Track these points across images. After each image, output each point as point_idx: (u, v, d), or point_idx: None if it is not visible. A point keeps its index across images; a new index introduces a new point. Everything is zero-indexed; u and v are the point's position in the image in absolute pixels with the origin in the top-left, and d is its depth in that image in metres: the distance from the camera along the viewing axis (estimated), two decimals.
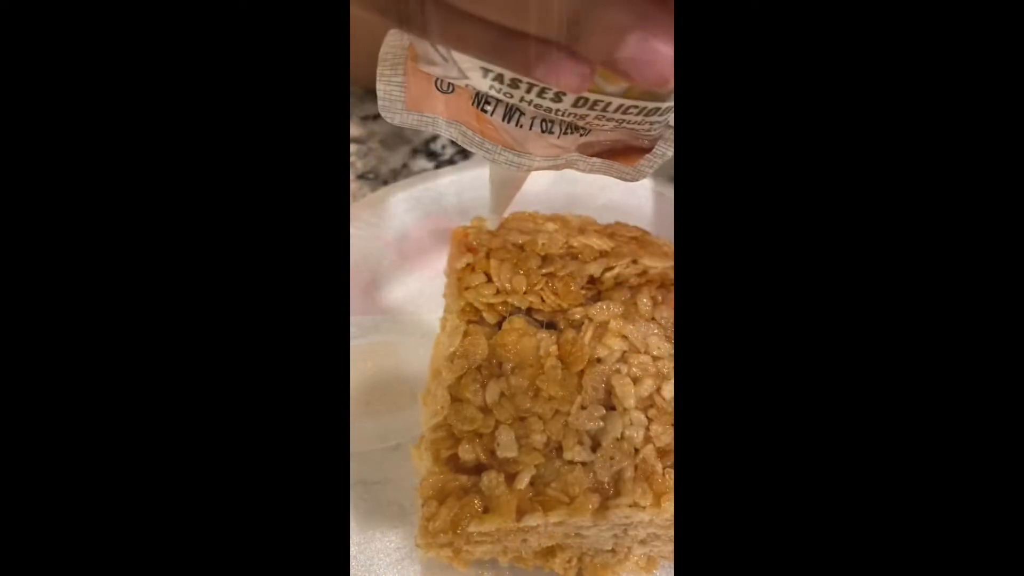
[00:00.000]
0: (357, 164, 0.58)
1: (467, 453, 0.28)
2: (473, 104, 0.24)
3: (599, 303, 0.33)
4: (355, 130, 0.61)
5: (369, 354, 0.43)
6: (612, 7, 0.15)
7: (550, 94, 0.21)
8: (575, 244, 0.36)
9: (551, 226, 0.39)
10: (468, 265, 0.35)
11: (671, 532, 0.30)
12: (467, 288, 0.34)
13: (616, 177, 0.28)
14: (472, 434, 0.29)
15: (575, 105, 0.22)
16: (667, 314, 0.33)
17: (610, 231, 0.39)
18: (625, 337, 0.32)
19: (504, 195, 0.30)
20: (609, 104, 0.21)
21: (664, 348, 0.32)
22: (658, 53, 0.16)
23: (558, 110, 0.22)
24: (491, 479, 0.28)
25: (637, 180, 0.28)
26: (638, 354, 0.31)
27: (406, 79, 0.24)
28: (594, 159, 0.27)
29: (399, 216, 0.50)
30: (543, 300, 0.33)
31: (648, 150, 0.26)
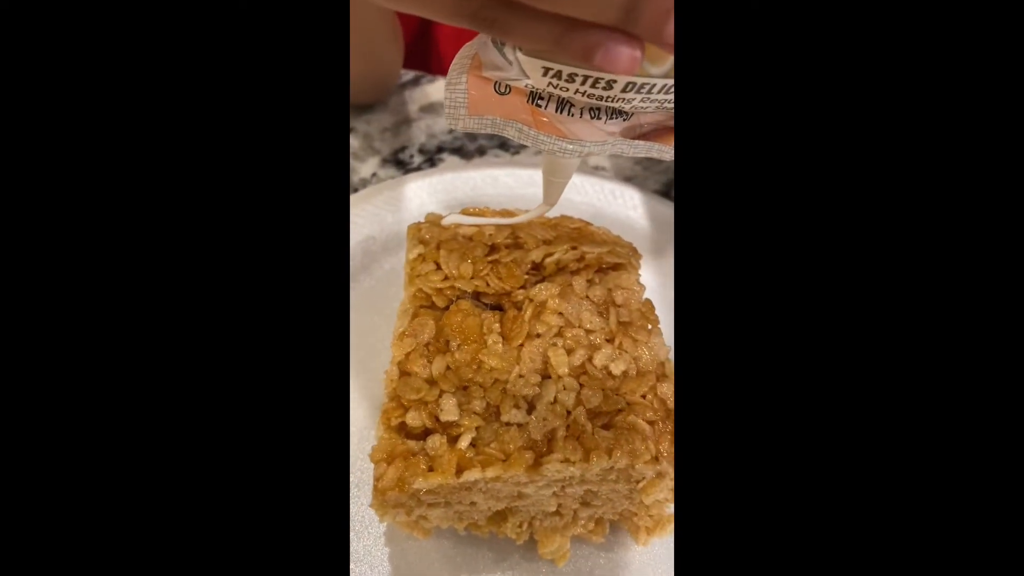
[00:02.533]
0: None
1: (414, 420, 0.31)
2: (528, 101, 0.27)
3: (539, 285, 0.36)
4: None
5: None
6: None
7: (602, 83, 0.24)
8: (521, 235, 0.39)
9: (500, 220, 0.42)
10: (420, 255, 0.38)
11: (603, 489, 0.33)
12: (418, 276, 0.37)
13: (656, 157, 0.31)
14: (419, 403, 0.32)
15: (624, 90, 0.25)
16: (600, 292, 0.36)
17: (554, 223, 0.42)
18: (561, 314, 0.35)
19: (557, 184, 0.33)
20: (654, 86, 0.24)
21: (596, 322, 0.34)
22: None
23: (608, 97, 0.25)
24: (435, 441, 0.30)
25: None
26: (572, 328, 0.34)
27: (469, 86, 0.27)
28: (637, 141, 0.30)
29: (412, 201, 0.55)
30: (488, 284, 0.36)
31: None
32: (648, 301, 0.36)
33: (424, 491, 0.30)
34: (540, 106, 0.27)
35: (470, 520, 0.36)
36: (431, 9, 0.23)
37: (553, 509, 0.35)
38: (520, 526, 0.36)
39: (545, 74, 0.25)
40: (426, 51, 0.77)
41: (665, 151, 0.30)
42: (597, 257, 0.38)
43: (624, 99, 0.25)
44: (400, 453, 0.30)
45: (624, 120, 0.28)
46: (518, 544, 0.37)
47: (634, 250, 0.40)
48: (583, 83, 0.24)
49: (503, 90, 0.27)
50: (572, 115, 0.27)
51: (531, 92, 0.27)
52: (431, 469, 0.30)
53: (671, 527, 0.37)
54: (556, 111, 0.27)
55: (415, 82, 0.72)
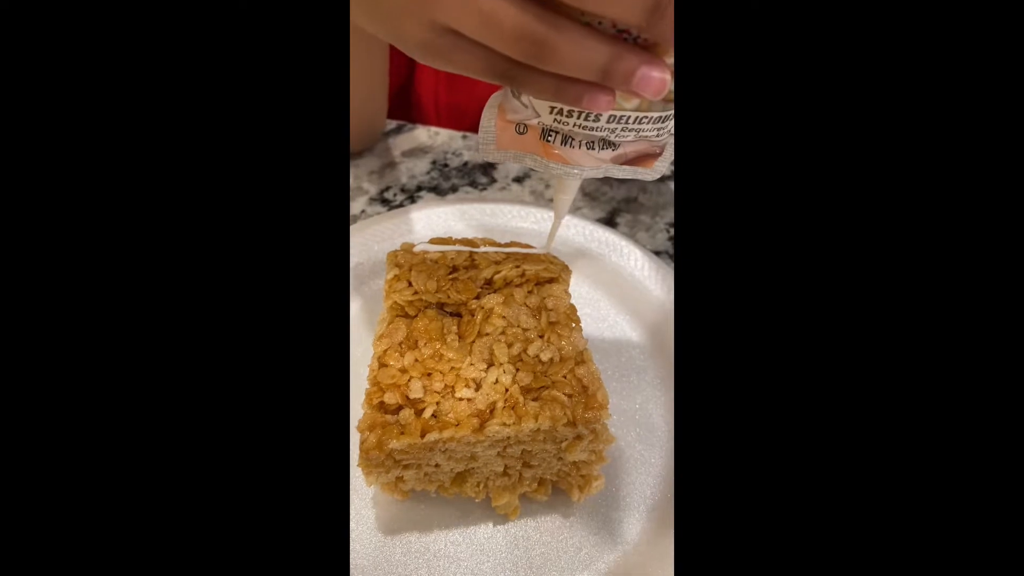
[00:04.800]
0: None
1: (390, 399, 0.41)
2: (541, 138, 0.38)
3: (488, 296, 0.46)
4: None
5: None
6: (626, 58, 0.28)
7: (591, 118, 0.35)
8: (476, 258, 0.50)
9: (459, 246, 0.52)
10: (395, 276, 0.48)
11: (536, 448, 0.42)
12: (394, 292, 0.47)
13: (641, 178, 0.41)
14: (393, 386, 0.42)
15: (608, 122, 0.35)
16: (535, 300, 0.46)
17: (506, 248, 0.52)
18: (504, 317, 0.45)
19: (565, 201, 0.44)
20: (629, 118, 0.35)
21: (531, 323, 0.45)
22: (653, 78, 0.29)
23: (596, 128, 0.35)
24: (406, 414, 0.40)
25: (655, 178, 0.42)
26: (513, 328, 0.44)
27: (496, 128, 0.38)
28: (624, 167, 0.40)
29: (395, 232, 0.65)
30: (449, 296, 0.46)
31: (659, 155, 0.40)
32: (572, 305, 0.47)
33: (398, 451, 0.40)
34: (550, 141, 0.38)
35: (438, 482, 0.46)
36: (472, 72, 0.33)
37: (501, 470, 0.45)
38: (477, 486, 0.46)
39: (551, 111, 0.35)
40: (407, 103, 0.88)
41: (647, 173, 0.41)
42: (535, 273, 0.48)
43: (609, 128, 0.35)
44: (379, 423, 0.40)
45: (613, 150, 0.38)
46: (477, 502, 0.47)
47: (565, 267, 0.50)
48: (577, 117, 0.35)
49: (522, 130, 0.38)
50: (574, 147, 0.37)
51: (542, 130, 0.37)
52: (402, 433, 0.40)
53: (598, 484, 0.46)
54: (562, 144, 0.37)
55: (398, 130, 0.83)
